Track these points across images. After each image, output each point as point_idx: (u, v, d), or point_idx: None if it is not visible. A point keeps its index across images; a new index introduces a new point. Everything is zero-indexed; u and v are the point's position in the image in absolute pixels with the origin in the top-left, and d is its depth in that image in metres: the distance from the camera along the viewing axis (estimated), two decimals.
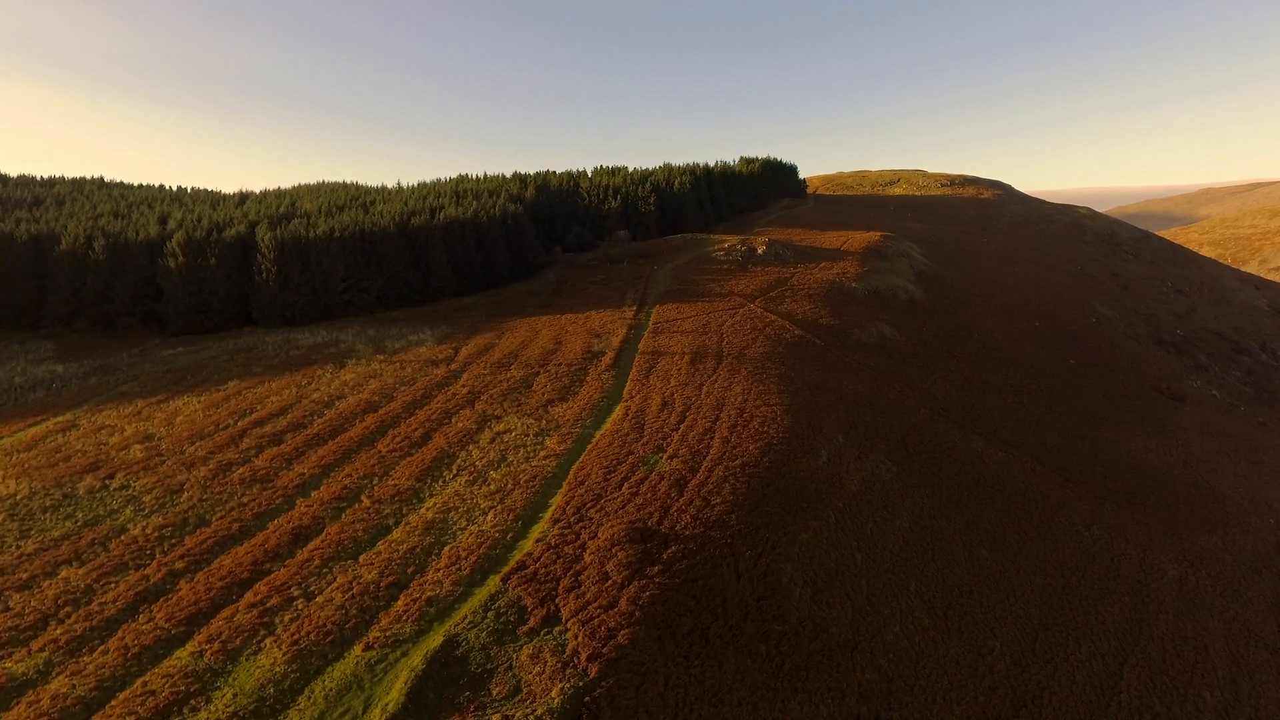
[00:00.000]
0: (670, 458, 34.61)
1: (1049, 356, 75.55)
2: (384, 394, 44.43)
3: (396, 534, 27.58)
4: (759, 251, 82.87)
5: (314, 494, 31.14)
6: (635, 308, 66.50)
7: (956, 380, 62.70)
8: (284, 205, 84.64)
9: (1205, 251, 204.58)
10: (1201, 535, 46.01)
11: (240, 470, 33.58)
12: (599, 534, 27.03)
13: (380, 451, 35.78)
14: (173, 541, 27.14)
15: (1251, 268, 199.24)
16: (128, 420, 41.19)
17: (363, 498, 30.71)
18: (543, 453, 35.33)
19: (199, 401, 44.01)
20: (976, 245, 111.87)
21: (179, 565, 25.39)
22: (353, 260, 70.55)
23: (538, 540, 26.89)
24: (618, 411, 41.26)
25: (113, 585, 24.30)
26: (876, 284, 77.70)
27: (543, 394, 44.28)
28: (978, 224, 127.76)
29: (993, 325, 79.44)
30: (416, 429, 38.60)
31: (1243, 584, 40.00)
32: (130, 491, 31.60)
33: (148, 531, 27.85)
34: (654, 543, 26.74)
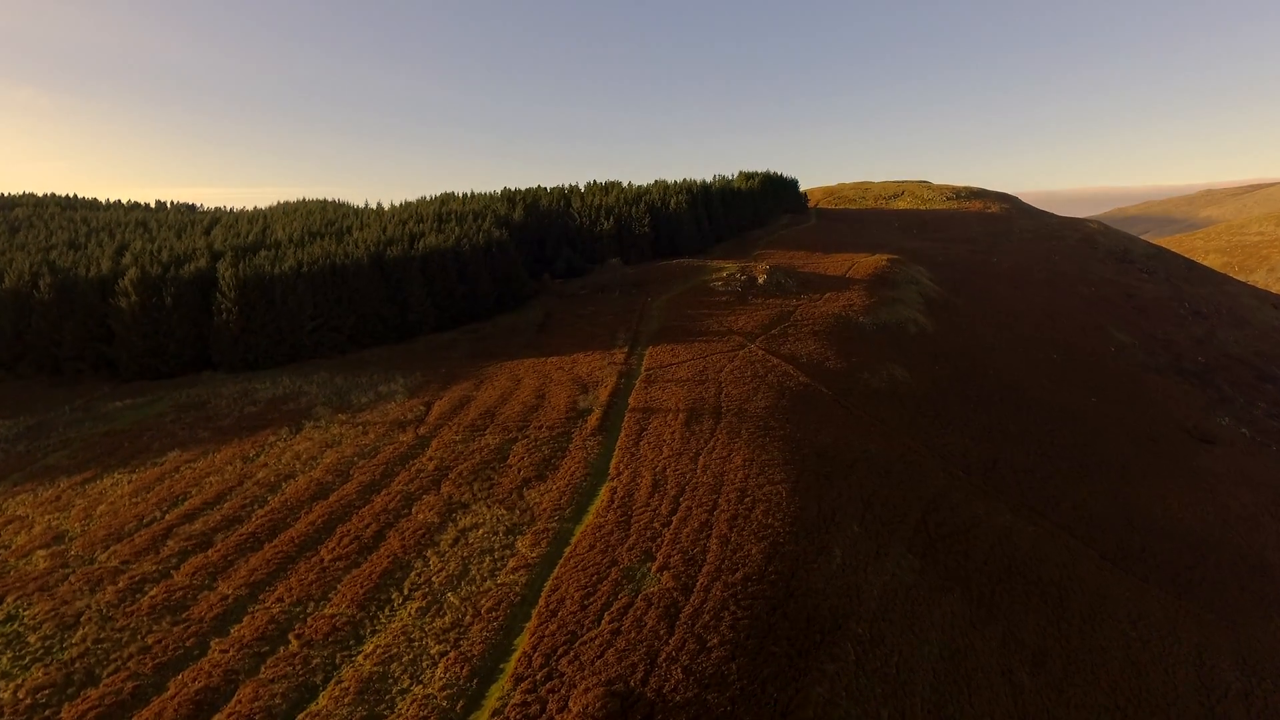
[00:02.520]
0: (660, 569, 29.62)
1: (1069, 395, 70.64)
2: (339, 471, 39.37)
3: (323, 701, 22.53)
4: (759, 281, 77.90)
5: (233, 630, 26.09)
6: (626, 349, 61.50)
7: (974, 430, 57.76)
8: (254, 232, 79.47)
9: (1211, 259, 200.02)
10: (1257, 624, 41.15)
11: (154, 591, 28.51)
12: (570, 704, 22.02)
13: (323, 560, 30.72)
14: (45, 715, 22.08)
15: (1259, 276, 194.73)
16: (42, 510, 36.07)
17: (291, 638, 25.64)
18: (512, 562, 30.30)
19: (129, 482, 38.90)
20: (986, 266, 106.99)
21: None
22: (322, 297, 65.38)
23: (494, 712, 21.88)
24: (603, 496, 36.28)
25: None
26: (885, 317, 72.78)
27: (519, 470, 39.28)
28: (986, 242, 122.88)
29: (1008, 360, 74.54)
30: (369, 524, 33.55)
31: None
32: (16, 625, 26.53)
33: (19, 696, 22.79)
34: (637, 716, 21.75)
